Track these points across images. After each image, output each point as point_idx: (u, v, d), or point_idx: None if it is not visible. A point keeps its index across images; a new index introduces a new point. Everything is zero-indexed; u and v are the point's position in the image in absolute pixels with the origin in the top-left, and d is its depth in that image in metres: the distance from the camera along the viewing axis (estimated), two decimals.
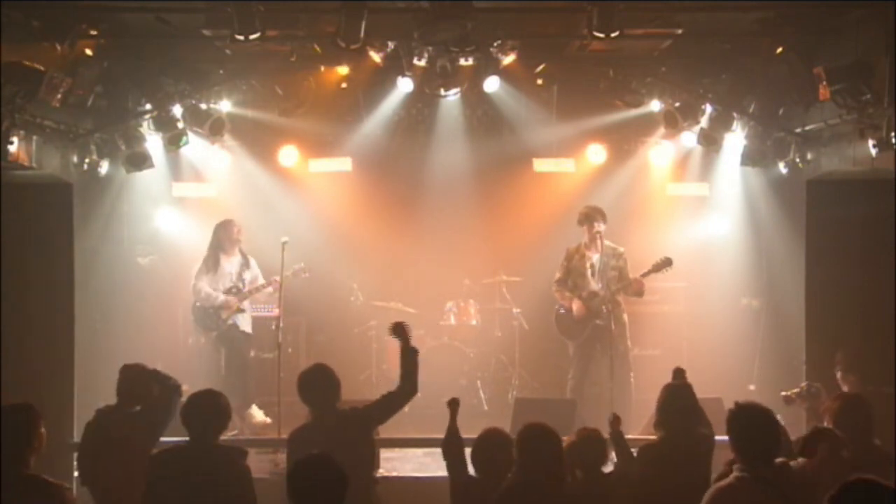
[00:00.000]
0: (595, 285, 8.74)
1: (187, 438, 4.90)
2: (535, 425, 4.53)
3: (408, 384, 5.50)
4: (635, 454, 5.19)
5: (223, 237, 9.20)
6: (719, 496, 4.04)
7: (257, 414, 9.02)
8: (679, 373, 5.48)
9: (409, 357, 5.53)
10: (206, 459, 4.78)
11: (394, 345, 9.74)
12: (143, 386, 5.77)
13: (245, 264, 9.25)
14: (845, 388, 6.90)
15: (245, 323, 9.23)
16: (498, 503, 4.44)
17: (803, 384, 6.77)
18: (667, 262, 8.55)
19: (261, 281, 9.24)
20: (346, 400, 5.52)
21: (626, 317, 8.81)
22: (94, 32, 7.79)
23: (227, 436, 7.30)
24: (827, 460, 4.48)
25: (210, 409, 4.90)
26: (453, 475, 5.05)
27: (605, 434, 5.28)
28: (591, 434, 5.05)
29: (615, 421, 5.40)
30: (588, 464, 4.89)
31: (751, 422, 4.15)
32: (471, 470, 4.98)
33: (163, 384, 5.76)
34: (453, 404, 5.37)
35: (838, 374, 7.00)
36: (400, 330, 5.59)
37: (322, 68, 8.96)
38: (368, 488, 5.24)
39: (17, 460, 4.30)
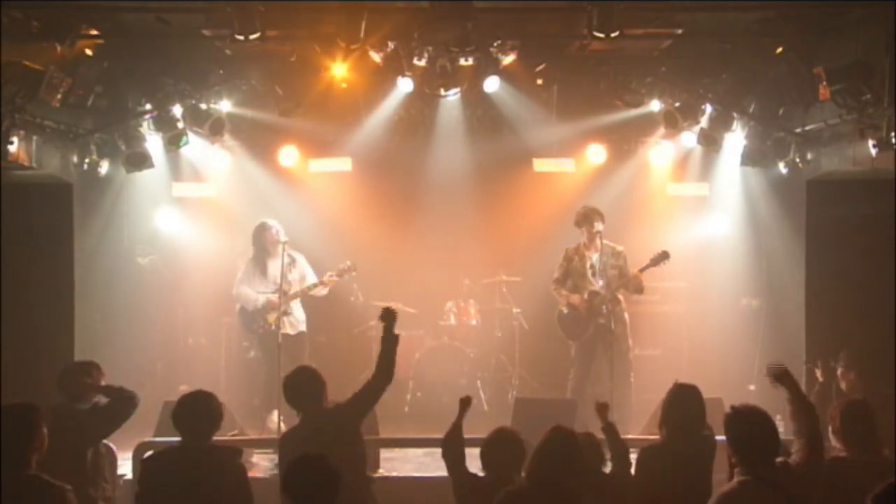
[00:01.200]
0: (596, 285, 8.73)
1: (179, 439, 4.89)
2: (559, 429, 4.49)
3: (383, 370, 5.45)
4: (637, 454, 5.18)
5: (264, 241, 8.95)
6: (725, 501, 4.03)
7: (272, 421, 8.64)
8: (602, 409, 5.35)
9: (389, 342, 5.48)
10: (200, 460, 4.77)
11: None
12: (79, 383, 5.72)
13: (291, 263, 8.87)
14: (843, 385, 6.94)
15: (291, 326, 8.87)
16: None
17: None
18: (664, 256, 8.55)
19: (309, 281, 8.94)
20: (334, 399, 5.51)
21: (627, 315, 8.80)
22: (94, 32, 7.79)
23: (226, 436, 7.36)
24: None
25: (201, 410, 4.89)
26: (454, 474, 5.04)
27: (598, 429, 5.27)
28: (585, 438, 5.04)
29: (602, 408, 5.34)
30: (587, 468, 4.88)
31: (748, 424, 4.14)
32: (477, 469, 4.98)
33: (115, 396, 5.71)
34: (465, 402, 5.34)
35: (839, 371, 7.02)
36: (388, 315, 5.55)
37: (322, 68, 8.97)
38: (362, 486, 5.23)
39: (20, 460, 4.29)
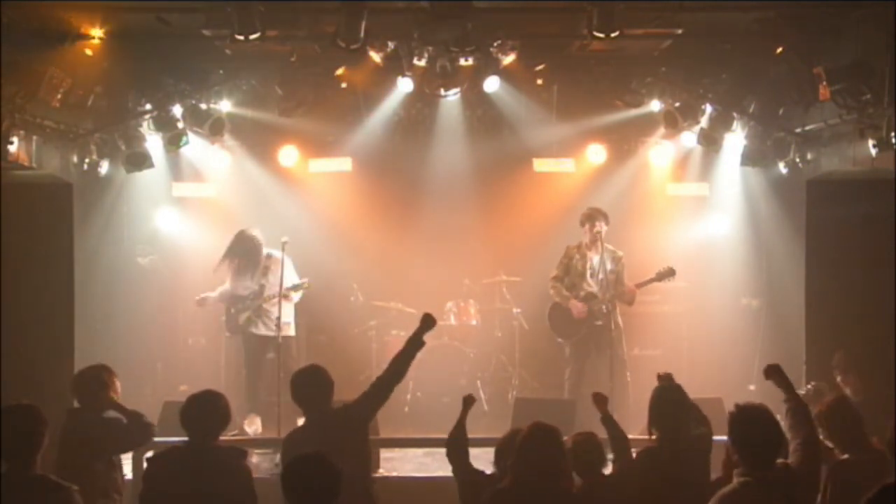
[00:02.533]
0: (593, 287, 8.73)
1: (185, 439, 4.88)
2: (538, 425, 4.50)
3: (398, 370, 5.45)
4: (634, 458, 5.16)
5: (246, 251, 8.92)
6: (724, 502, 4.01)
7: (250, 427, 8.62)
8: (665, 377, 5.42)
9: (416, 345, 5.50)
10: (206, 460, 4.75)
11: (393, 345, 9.79)
12: (92, 389, 5.67)
13: (265, 269, 8.85)
14: (847, 391, 6.86)
15: (266, 326, 8.81)
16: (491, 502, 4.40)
17: (809, 385, 6.77)
18: (669, 272, 8.54)
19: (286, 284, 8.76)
20: (340, 399, 5.50)
21: (620, 319, 8.79)
22: (94, 32, 7.79)
23: (226, 436, 7.35)
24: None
25: (209, 410, 4.88)
26: (460, 473, 5.04)
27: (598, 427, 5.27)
28: (586, 438, 5.02)
29: (601, 400, 5.33)
30: (586, 468, 4.87)
31: (752, 423, 4.09)
32: (485, 467, 4.98)
33: (135, 422, 5.67)
34: (468, 400, 5.31)
35: (838, 378, 6.96)
36: (430, 321, 5.59)
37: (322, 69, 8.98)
38: (366, 488, 5.22)
39: (25, 461, 4.28)
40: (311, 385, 5.31)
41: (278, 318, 8.55)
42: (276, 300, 8.62)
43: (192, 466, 4.72)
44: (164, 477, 4.76)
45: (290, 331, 8.92)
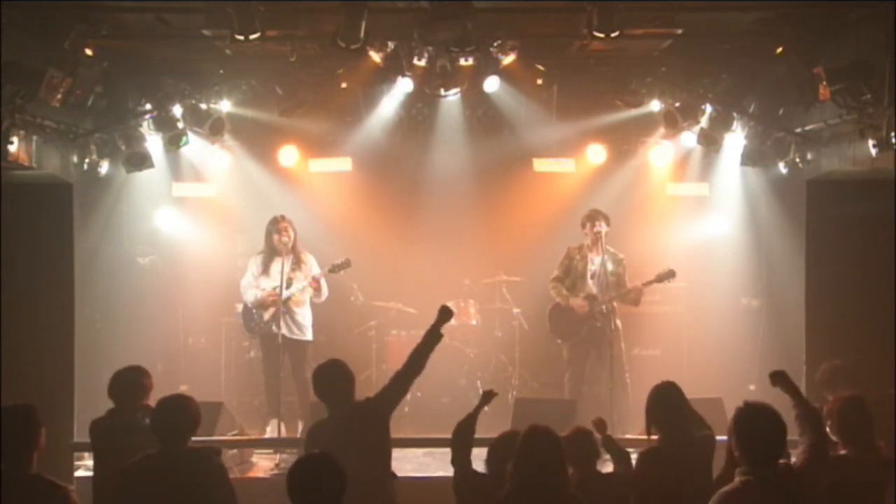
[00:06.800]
0: (594, 288, 8.74)
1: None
2: (535, 428, 4.51)
3: (418, 362, 5.51)
4: (636, 460, 5.17)
5: (269, 234, 8.75)
6: (726, 501, 4.02)
7: (270, 432, 8.54)
8: (600, 424, 5.40)
9: (434, 338, 5.55)
10: (180, 463, 4.78)
11: (393, 345, 9.80)
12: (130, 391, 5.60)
13: (297, 264, 8.74)
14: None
15: (288, 328, 8.66)
16: None
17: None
18: (670, 274, 8.56)
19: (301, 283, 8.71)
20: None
21: (619, 321, 8.79)
22: (94, 33, 7.78)
23: (226, 436, 7.37)
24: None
25: (178, 414, 4.90)
26: (458, 463, 5.06)
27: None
28: (580, 432, 5.05)
29: (600, 425, 5.36)
30: (580, 461, 4.89)
31: (758, 422, 4.08)
32: (480, 467, 4.99)
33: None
34: (487, 395, 5.40)
35: (830, 398, 6.87)
36: (447, 314, 5.66)
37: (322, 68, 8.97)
38: (385, 481, 5.25)
39: (21, 460, 4.29)
40: (333, 379, 5.38)
41: (275, 318, 8.52)
42: (302, 302, 8.67)
43: (167, 471, 4.74)
44: (138, 485, 4.75)
45: (309, 335, 8.87)
